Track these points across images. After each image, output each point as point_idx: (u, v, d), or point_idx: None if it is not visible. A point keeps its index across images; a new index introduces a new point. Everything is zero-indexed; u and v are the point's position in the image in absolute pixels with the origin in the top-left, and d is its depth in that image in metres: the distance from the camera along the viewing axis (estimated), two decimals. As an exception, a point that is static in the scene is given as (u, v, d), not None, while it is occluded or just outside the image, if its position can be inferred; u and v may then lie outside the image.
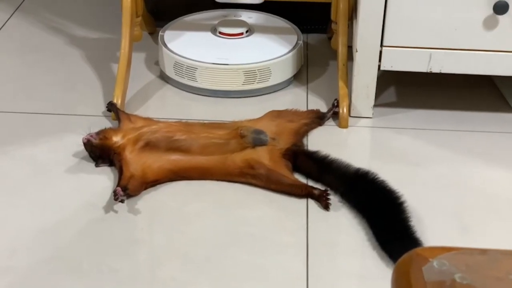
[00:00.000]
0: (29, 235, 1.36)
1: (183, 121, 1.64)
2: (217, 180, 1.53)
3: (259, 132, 1.56)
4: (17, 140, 1.64)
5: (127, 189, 1.43)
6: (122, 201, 1.42)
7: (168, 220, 1.41)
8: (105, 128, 1.58)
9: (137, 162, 1.50)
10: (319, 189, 1.48)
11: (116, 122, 1.67)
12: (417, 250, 0.59)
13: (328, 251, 1.35)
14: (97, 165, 1.55)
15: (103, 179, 1.52)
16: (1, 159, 1.58)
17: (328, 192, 1.46)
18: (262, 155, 1.52)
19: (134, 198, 1.46)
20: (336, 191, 1.49)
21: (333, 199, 1.46)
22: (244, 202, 1.47)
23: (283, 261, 1.32)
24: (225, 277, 1.27)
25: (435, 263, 0.56)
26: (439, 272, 0.55)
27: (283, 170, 1.52)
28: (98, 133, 1.55)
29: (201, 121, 1.66)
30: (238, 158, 1.52)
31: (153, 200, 1.47)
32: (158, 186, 1.50)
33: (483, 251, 0.60)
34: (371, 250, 1.34)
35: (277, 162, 1.53)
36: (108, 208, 1.43)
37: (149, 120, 1.63)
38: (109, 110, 1.71)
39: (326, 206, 1.45)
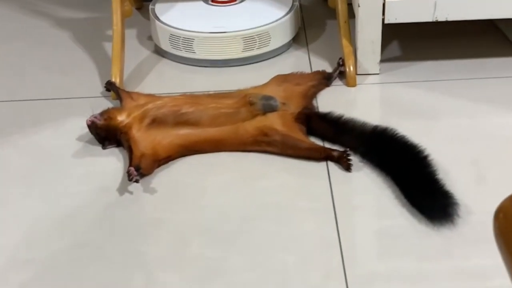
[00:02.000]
0: (45, 225, 1.30)
1: (187, 94, 1.58)
2: (231, 151, 1.47)
3: (268, 98, 1.50)
4: (18, 129, 1.57)
5: (140, 168, 1.38)
6: (136, 181, 1.36)
7: (187, 197, 1.36)
8: (108, 108, 1.52)
9: (146, 139, 1.44)
10: (338, 151, 1.43)
11: (117, 102, 1.61)
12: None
13: (356, 213, 1.31)
14: (104, 147, 1.49)
15: (113, 161, 1.46)
16: (6, 149, 1.51)
17: (348, 152, 1.41)
18: (274, 121, 1.47)
19: (148, 178, 1.40)
20: (356, 151, 1.44)
21: (354, 159, 1.41)
22: (262, 172, 1.41)
23: (312, 228, 1.27)
24: (256, 250, 1.22)
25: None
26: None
27: (298, 134, 1.46)
28: (101, 114, 1.48)
29: (206, 92, 1.60)
30: (250, 127, 1.47)
31: (167, 177, 1.41)
32: (170, 163, 1.45)
33: None
34: (400, 208, 1.30)
35: (291, 127, 1.47)
36: (122, 190, 1.38)
37: (152, 96, 1.57)
38: (108, 90, 1.65)
39: (347, 167, 1.40)
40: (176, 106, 1.49)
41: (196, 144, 1.47)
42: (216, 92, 1.60)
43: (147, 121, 1.46)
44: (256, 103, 1.48)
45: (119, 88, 1.62)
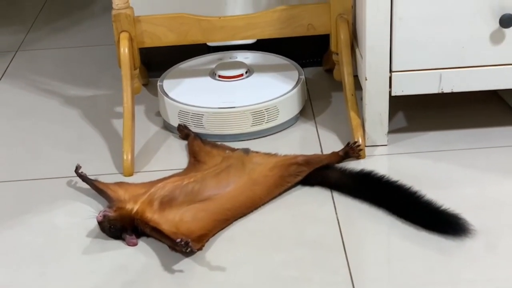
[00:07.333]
0: (64, 306, 1.30)
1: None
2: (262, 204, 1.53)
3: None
4: (31, 208, 1.58)
5: (188, 240, 1.33)
6: (191, 250, 1.34)
7: (205, 273, 1.36)
8: (113, 202, 1.48)
9: (166, 221, 1.40)
10: (344, 148, 1.64)
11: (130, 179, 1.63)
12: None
13: (375, 286, 1.31)
14: (125, 239, 1.44)
15: (128, 239, 1.47)
16: (20, 229, 1.52)
17: (351, 142, 1.63)
18: (276, 156, 1.59)
19: (163, 257, 1.40)
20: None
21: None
22: (278, 245, 1.42)
23: (331, 301, 1.27)
24: (276, 326, 1.22)
25: None
26: None
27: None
28: (109, 207, 1.46)
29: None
30: (264, 172, 1.53)
31: (182, 255, 1.41)
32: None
33: None
34: (419, 279, 1.30)
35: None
36: (139, 269, 1.38)
37: (149, 182, 1.54)
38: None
39: (359, 155, 1.64)
40: (177, 180, 1.50)
41: (227, 212, 1.47)
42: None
43: (156, 204, 1.44)
44: (236, 150, 1.61)
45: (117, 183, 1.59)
